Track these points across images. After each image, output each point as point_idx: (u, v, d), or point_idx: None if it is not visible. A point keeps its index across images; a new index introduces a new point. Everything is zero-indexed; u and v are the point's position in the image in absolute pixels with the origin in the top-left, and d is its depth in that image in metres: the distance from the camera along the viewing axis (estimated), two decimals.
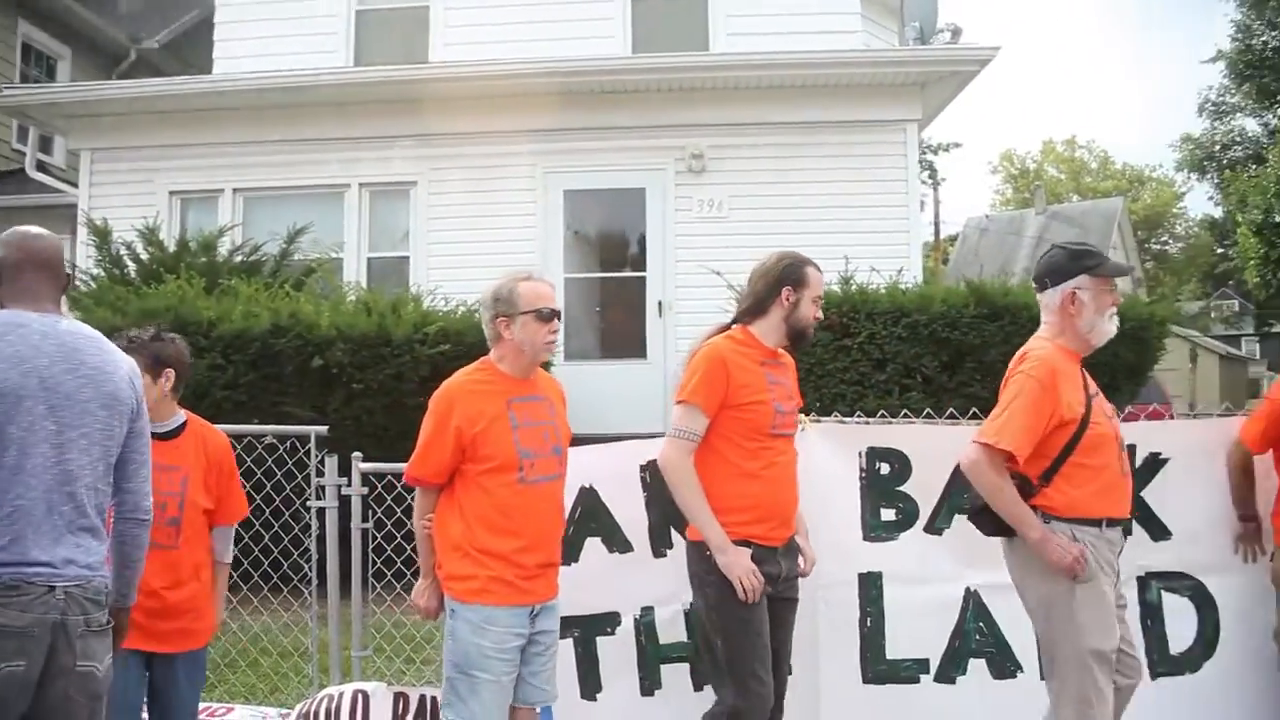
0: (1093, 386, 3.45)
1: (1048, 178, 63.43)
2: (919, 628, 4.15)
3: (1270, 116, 36.97)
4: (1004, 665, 4.17)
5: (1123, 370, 6.87)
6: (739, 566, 3.26)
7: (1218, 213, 47.93)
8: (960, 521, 4.16)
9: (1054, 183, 63.54)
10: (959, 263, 51.48)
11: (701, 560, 3.37)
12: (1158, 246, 60.14)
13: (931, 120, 10.99)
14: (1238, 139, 41.76)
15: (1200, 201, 67.40)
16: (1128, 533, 3.69)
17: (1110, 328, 3.42)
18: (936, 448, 4.19)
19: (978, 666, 4.17)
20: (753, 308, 3.50)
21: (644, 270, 9.89)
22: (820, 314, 3.54)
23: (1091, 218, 49.86)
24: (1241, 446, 4.00)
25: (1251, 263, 38.89)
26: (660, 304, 9.71)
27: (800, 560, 3.60)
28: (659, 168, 9.89)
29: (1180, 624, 4.15)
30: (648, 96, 9.94)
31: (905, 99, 9.55)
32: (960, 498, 4.14)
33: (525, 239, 9.95)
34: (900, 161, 9.51)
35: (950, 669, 4.15)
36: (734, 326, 3.55)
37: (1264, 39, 33.10)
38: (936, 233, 33.88)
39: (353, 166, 10.62)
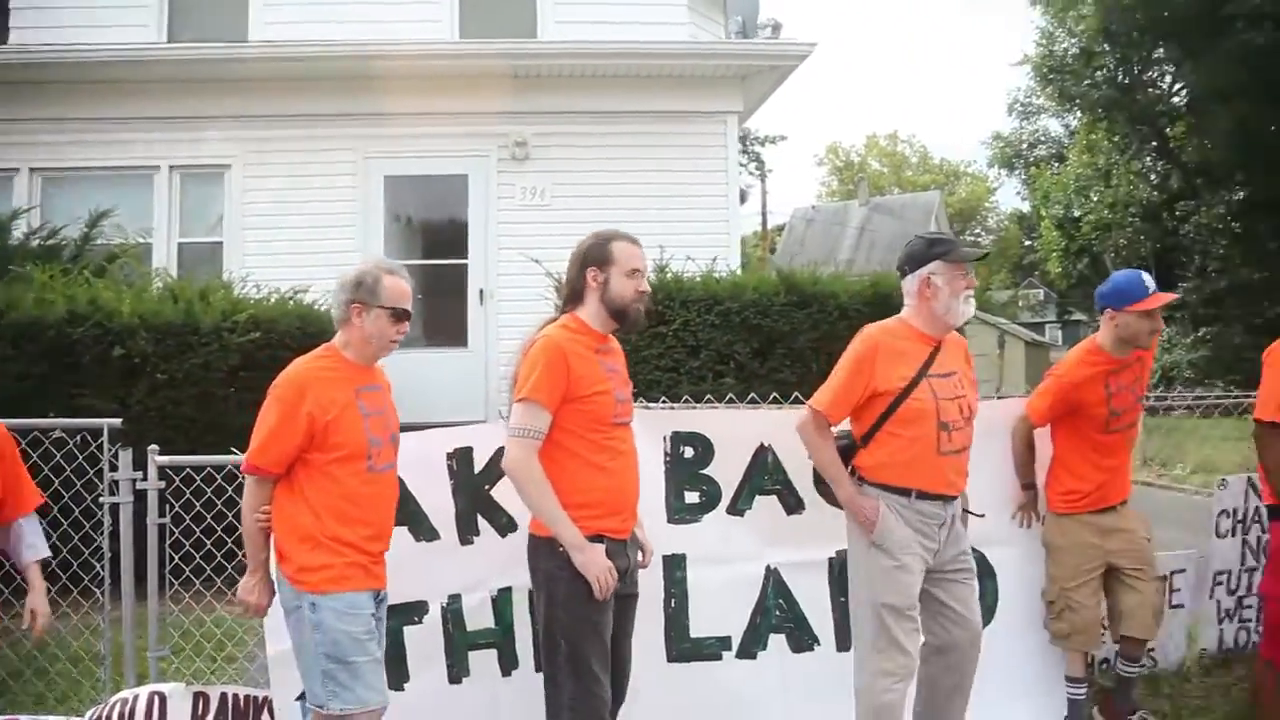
0: (947, 367, 3.64)
1: (871, 171, 65.89)
2: (721, 606, 4.28)
3: (1071, 118, 39.24)
4: (802, 639, 4.36)
5: None
6: (596, 565, 3.19)
7: (1025, 207, 50.60)
8: (761, 502, 4.35)
9: (877, 176, 66.06)
10: (786, 252, 52.94)
11: (552, 556, 3.25)
12: (971, 238, 63.08)
13: (753, 112, 11.29)
14: (1043, 138, 44.19)
15: (1010, 196, 70.97)
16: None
17: (966, 309, 3.61)
18: (739, 431, 4.35)
19: (777, 641, 4.34)
20: (570, 295, 3.45)
21: (466, 258, 9.80)
22: (645, 286, 3.42)
23: (911, 210, 52.01)
24: (1027, 421, 4.30)
25: (1054, 254, 41.51)
26: (482, 292, 9.65)
27: (640, 553, 3.56)
28: (482, 154, 9.83)
29: None
30: (472, 82, 9.84)
31: (726, 91, 9.76)
32: (762, 479, 4.33)
33: (345, 225, 9.75)
34: (721, 152, 9.72)
35: (751, 645, 4.31)
36: (565, 314, 3.45)
37: (1065, 45, 35.09)
38: (764, 223, 34.76)
39: (163, 147, 10.18)
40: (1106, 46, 32.64)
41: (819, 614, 4.36)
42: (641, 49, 9.58)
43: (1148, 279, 4.12)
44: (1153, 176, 36.52)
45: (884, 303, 6.92)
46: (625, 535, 3.39)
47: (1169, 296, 4.16)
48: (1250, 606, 5.09)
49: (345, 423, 3.17)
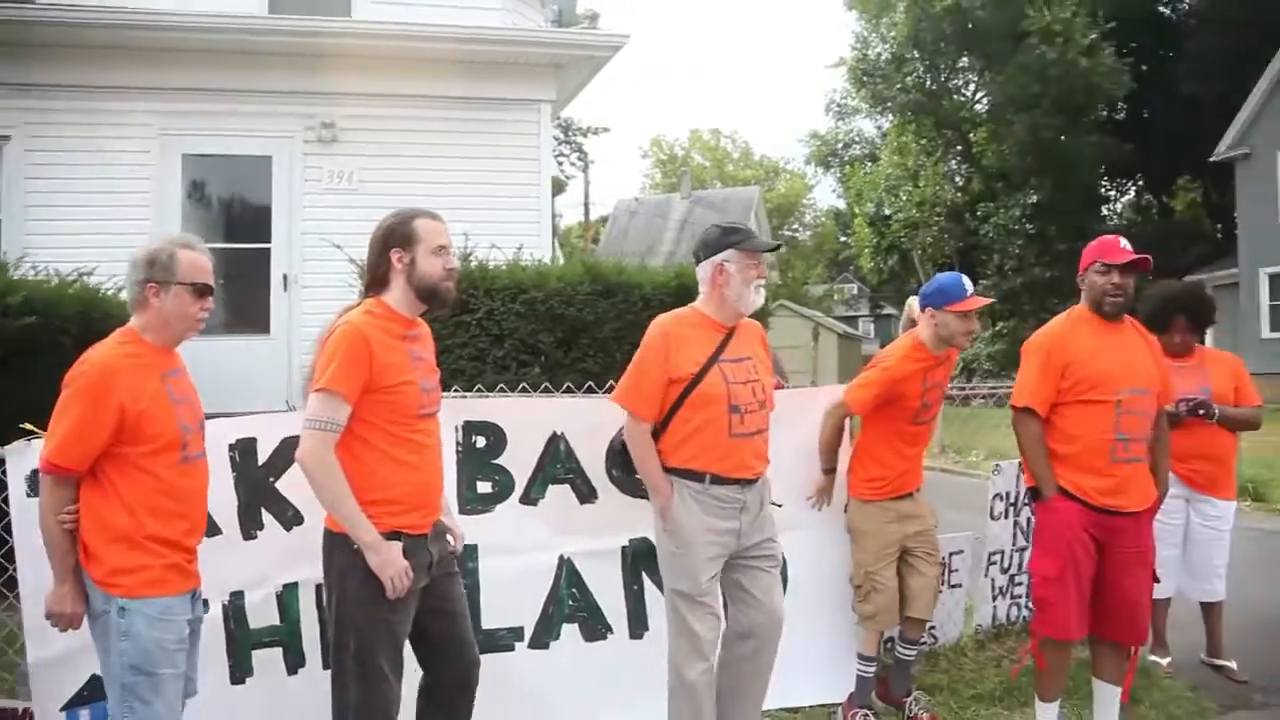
0: (740, 353, 3.71)
1: (694, 165, 66.93)
2: (514, 596, 4.26)
3: (884, 120, 40.94)
4: (595, 628, 4.39)
5: None
6: (392, 566, 3.05)
7: (840, 204, 52.42)
8: (555, 491, 4.37)
9: (700, 170, 67.19)
10: (609, 243, 53.28)
11: (346, 553, 3.09)
12: (790, 233, 64.99)
13: (568, 102, 11.29)
14: (857, 139, 45.83)
15: (827, 194, 73.56)
16: None
17: (756, 298, 3.69)
18: (531, 420, 4.35)
19: (570, 631, 4.36)
20: (372, 280, 3.28)
21: (269, 242, 9.44)
22: (453, 263, 3.29)
23: (732, 204, 53.14)
24: (844, 408, 4.45)
25: (866, 250, 43.27)
26: (285, 278, 9.33)
27: (449, 539, 3.45)
28: (287, 135, 9.46)
29: None
30: (278, 60, 9.44)
31: (540, 80, 9.71)
32: (554, 468, 4.35)
33: (139, 204, 9.20)
34: (534, 141, 9.66)
35: (544, 635, 4.31)
36: (368, 299, 3.27)
37: (878, 50, 36.58)
38: (586, 213, 34.85)
39: None
40: (916, 53, 34.21)
41: (612, 602, 4.41)
42: (456, 33, 9.41)
43: (967, 282, 4.31)
44: (957, 179, 38.57)
45: (688, 293, 6.92)
46: (426, 530, 3.25)
47: (985, 300, 4.38)
48: (1021, 584, 5.45)
49: (157, 412, 2.94)
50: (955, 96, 37.30)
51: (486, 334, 6.68)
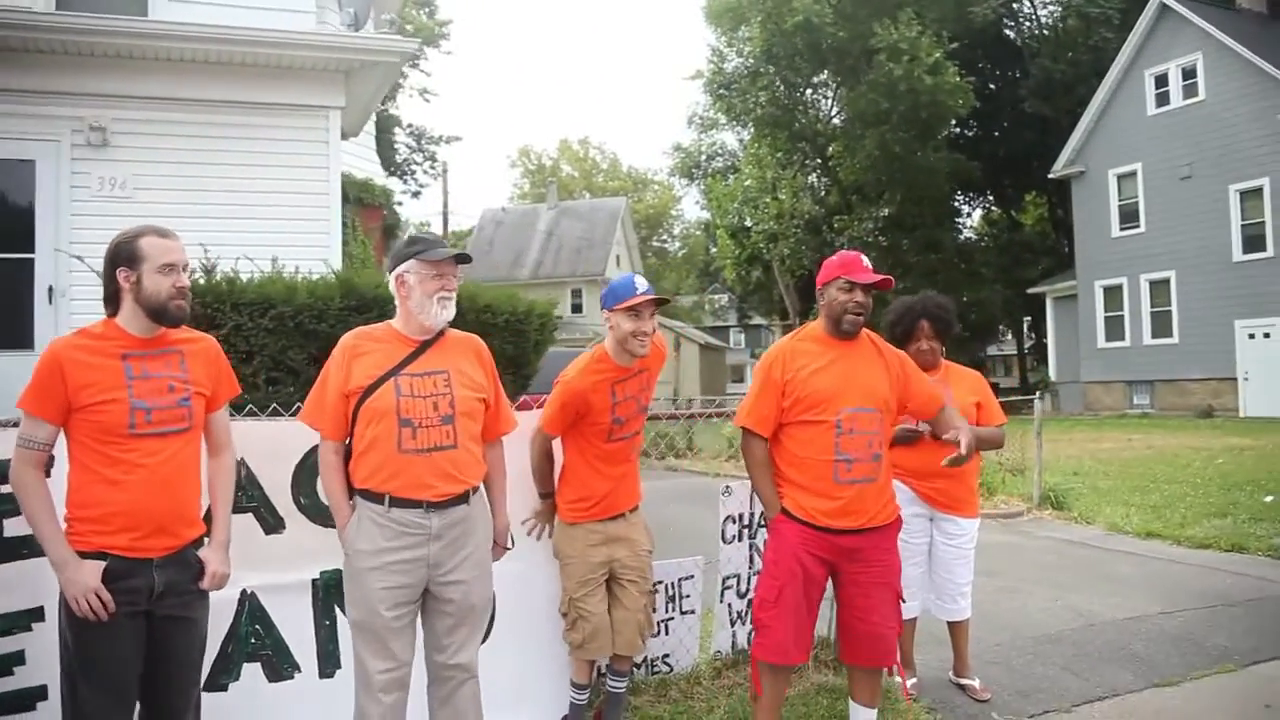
0: (432, 366, 3.49)
1: (563, 175, 66.95)
2: None
3: (744, 133, 41.51)
4: (280, 667, 4.11)
5: (502, 362, 7.17)
6: (74, 585, 2.96)
7: (706, 216, 53.05)
8: (236, 521, 4.06)
9: (568, 180, 67.25)
10: (475, 253, 52.79)
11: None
12: (659, 244, 65.50)
13: (370, 110, 10.91)
14: (719, 151, 46.43)
15: (694, 205, 74.28)
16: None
17: (440, 311, 3.47)
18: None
19: (252, 671, 4.07)
20: (106, 298, 3.19)
21: (33, 252, 8.83)
22: (183, 281, 3.19)
23: (598, 214, 53.39)
24: (543, 432, 4.26)
25: (728, 262, 43.80)
26: (51, 290, 8.74)
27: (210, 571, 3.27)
28: (53, 139, 8.85)
29: None
30: (47, 59, 8.85)
31: (328, 85, 9.31)
32: (235, 496, 4.06)
33: None
34: (322, 149, 9.25)
35: (222, 676, 4.00)
36: (102, 319, 3.20)
37: (734, 64, 37.08)
38: (445, 223, 34.32)
39: None
40: (770, 68, 34.75)
41: (301, 640, 4.14)
42: (239, 35, 8.92)
43: (640, 281, 4.13)
44: (814, 192, 39.35)
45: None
46: (145, 554, 3.10)
47: (649, 297, 4.07)
48: None
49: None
50: (811, 110, 38.05)
51: (235, 351, 6.28)
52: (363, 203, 14.63)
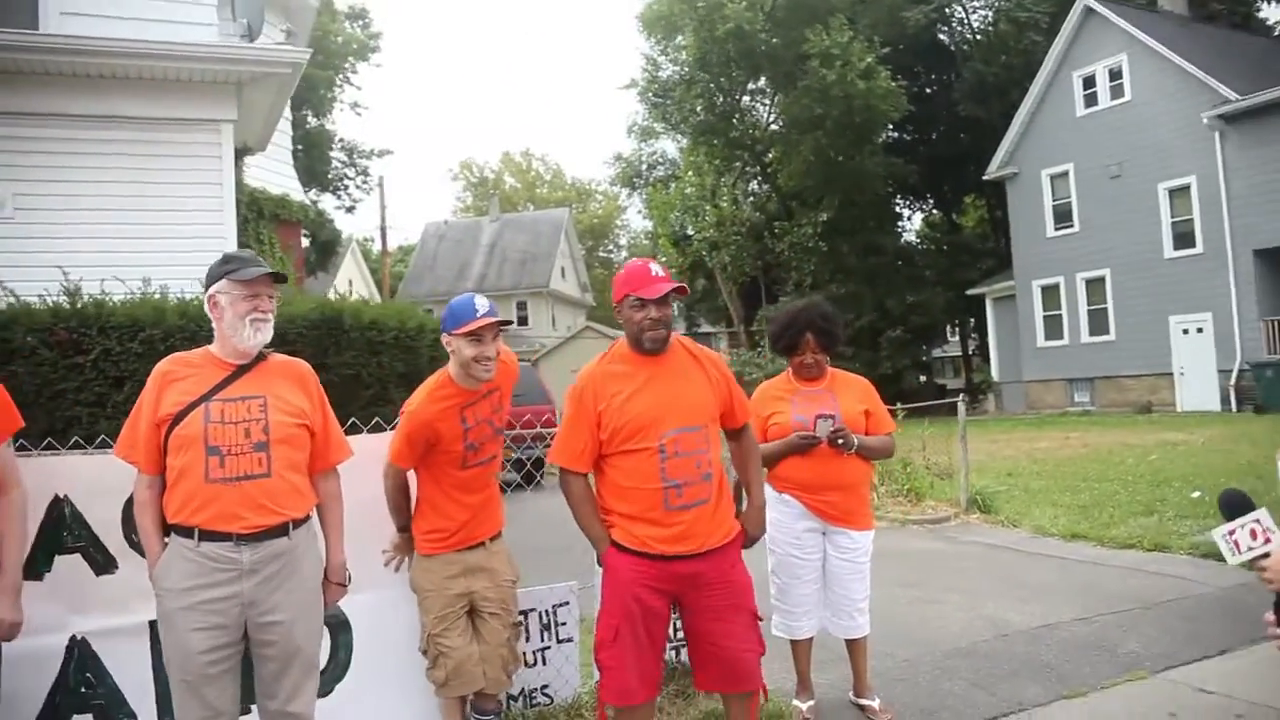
0: (250, 391, 3.28)
1: (506, 187, 66.60)
2: (11, 688, 3.65)
3: (683, 141, 41.40)
4: (114, 717, 3.82)
5: (393, 379, 6.93)
6: None
7: (650, 225, 52.88)
8: (62, 563, 3.79)
9: (511, 192, 66.90)
10: (418, 267, 52.46)
11: None
12: (605, 254, 65.30)
13: (270, 122, 10.54)
14: (660, 160, 46.29)
15: (637, 215, 74.18)
16: None
17: (253, 334, 3.29)
18: (29, 482, 3.75)
19: None
20: None
21: None
22: None
23: (541, 225, 53.18)
24: (394, 465, 3.98)
25: (671, 271, 43.76)
26: None
27: None
28: None
29: None
30: None
31: (219, 98, 8.97)
32: (59, 537, 3.77)
33: None
34: (215, 164, 8.89)
35: None
36: None
37: (668, 72, 37.01)
38: (384, 237, 33.88)
39: None
40: (705, 75, 34.70)
41: (136, 686, 3.84)
42: (116, 47, 8.58)
43: (481, 301, 3.84)
44: (754, 198, 39.37)
45: (331, 325, 6.58)
46: None
47: (489, 320, 3.80)
48: None
49: None
50: (748, 117, 38.07)
51: (104, 376, 5.98)
52: (279, 219, 14.25)
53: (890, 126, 35.74)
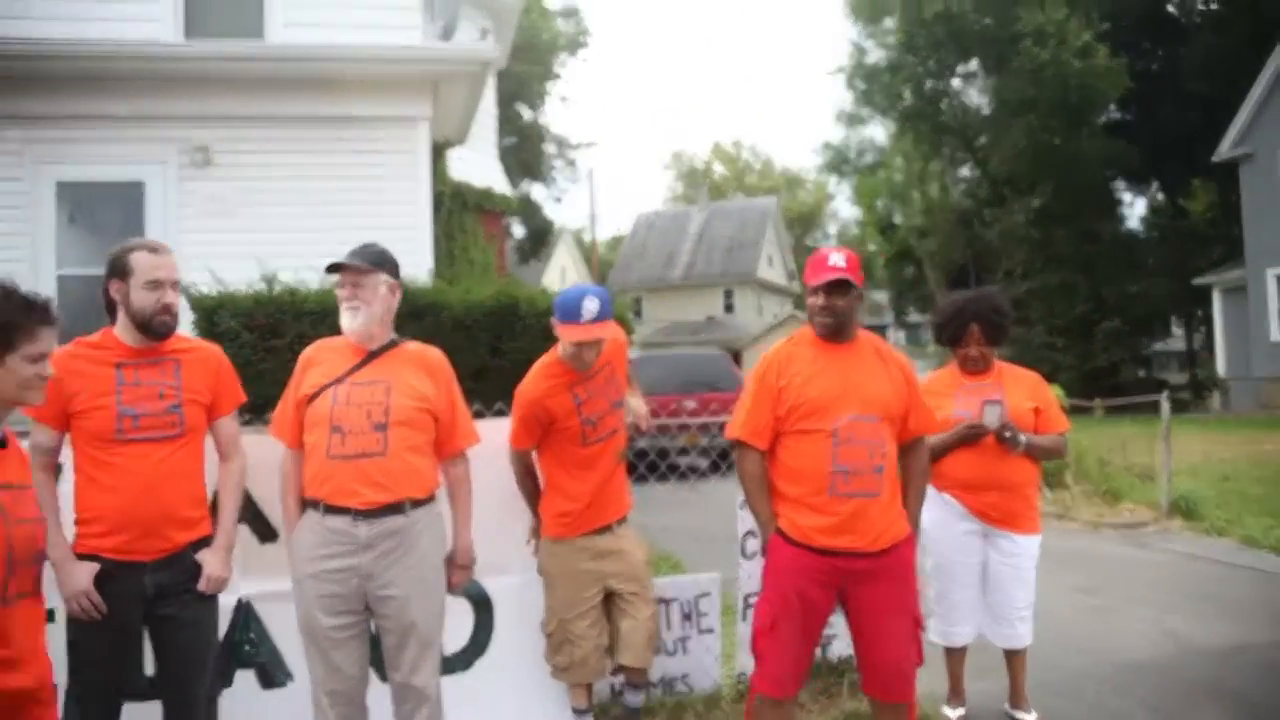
0: (377, 376, 3.47)
1: (715, 177, 66.76)
2: None
3: (892, 127, 40.30)
4: (274, 675, 4.13)
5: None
6: (67, 585, 3.09)
7: (857, 212, 51.84)
8: None
9: (721, 182, 67.00)
10: (628, 256, 53.29)
11: None
12: (813, 243, 64.39)
13: (467, 120, 10.99)
14: (869, 146, 45.21)
15: (846, 203, 72.78)
16: None
17: (348, 319, 3.49)
18: None
19: (246, 678, 4.10)
20: (106, 308, 3.33)
21: None
22: (170, 298, 3.28)
23: (749, 214, 52.92)
24: (514, 450, 4.11)
25: (881, 258, 42.78)
26: None
27: (205, 576, 3.31)
28: (160, 160, 9.29)
29: (457, 623, 4.22)
30: (150, 85, 9.29)
31: (415, 96, 9.46)
32: None
33: (12, 233, 9.11)
34: (411, 159, 9.39)
35: (217, 682, 4.03)
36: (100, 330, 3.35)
37: (875, 57, 36.13)
38: (593, 227, 34.68)
39: None
40: (912, 59, 33.66)
41: (294, 649, 4.13)
42: (320, 52, 9.22)
43: (589, 305, 3.84)
44: (962, 184, 37.91)
45: (506, 313, 6.78)
46: (136, 557, 3.17)
47: (591, 335, 3.84)
48: None
49: None
50: (957, 101, 36.67)
51: (297, 359, 6.42)
52: (483, 209, 14.83)
53: (1110, 106, 33.57)
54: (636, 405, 4.23)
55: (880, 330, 63.22)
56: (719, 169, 68.50)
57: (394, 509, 3.37)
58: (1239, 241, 28.58)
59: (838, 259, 3.57)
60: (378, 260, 3.54)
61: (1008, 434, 4.28)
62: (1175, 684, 5.05)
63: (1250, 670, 5.23)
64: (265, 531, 4.13)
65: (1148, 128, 34.80)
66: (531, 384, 3.98)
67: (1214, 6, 34.34)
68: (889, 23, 34.34)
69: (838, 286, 3.51)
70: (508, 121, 32.60)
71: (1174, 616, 6.30)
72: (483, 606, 4.37)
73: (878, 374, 3.59)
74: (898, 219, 38.63)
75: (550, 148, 38.17)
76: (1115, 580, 7.35)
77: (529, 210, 34.89)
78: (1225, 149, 27.92)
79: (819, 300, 3.54)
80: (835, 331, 3.58)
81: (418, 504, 3.44)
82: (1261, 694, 4.90)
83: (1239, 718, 4.60)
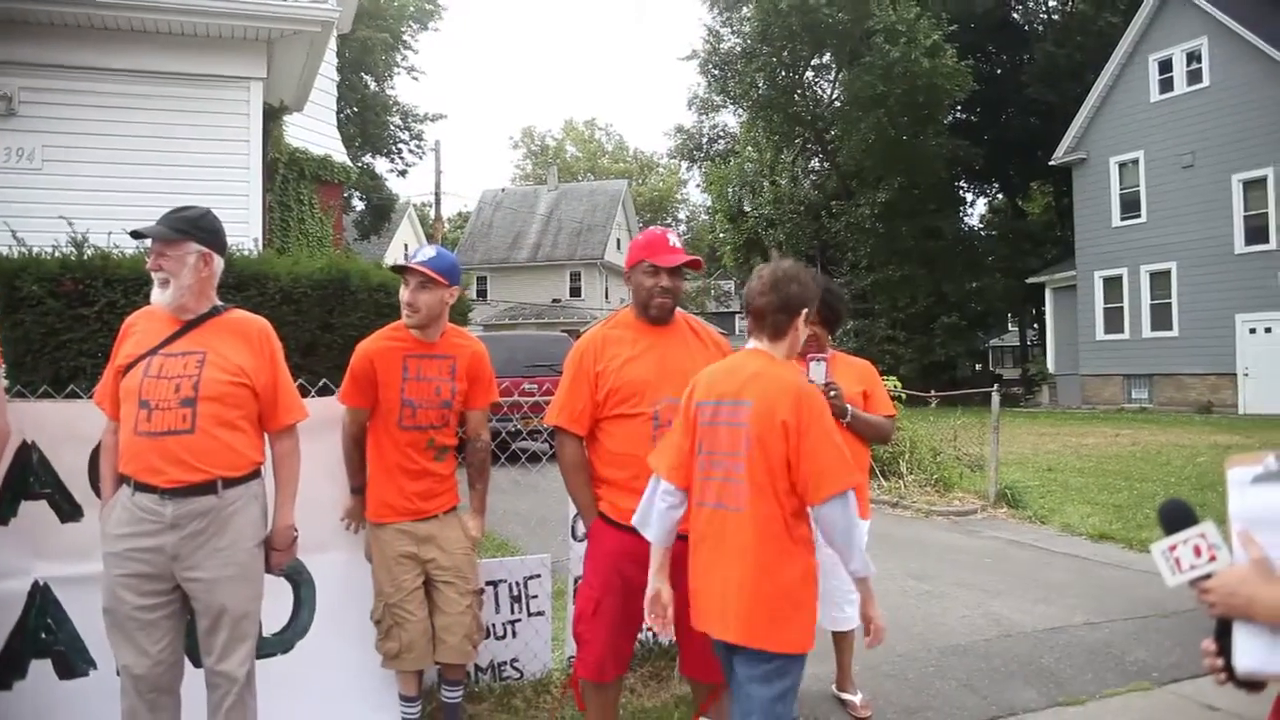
0: (191, 347, 3.25)
1: (567, 157, 66.43)
2: None
3: (743, 115, 40.80)
4: (74, 663, 3.82)
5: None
6: None
7: (708, 199, 52.35)
8: (28, 508, 3.78)
9: (573, 162, 66.73)
10: (473, 235, 52.60)
11: None
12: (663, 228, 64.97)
13: (305, 81, 10.45)
14: (721, 133, 45.73)
15: (697, 190, 73.70)
16: None
17: (157, 291, 3.28)
18: None
19: (41, 668, 3.78)
20: None
21: None
22: None
23: (599, 196, 52.97)
24: (341, 404, 3.92)
25: (727, 247, 43.24)
26: None
27: None
28: None
29: (277, 604, 4.02)
30: None
31: (248, 55, 8.92)
32: (26, 482, 3.76)
33: None
34: (243, 121, 8.84)
35: (8, 674, 3.72)
36: None
37: (730, 44, 36.49)
38: (437, 202, 33.90)
39: None
40: (766, 49, 34.13)
41: (98, 634, 3.80)
42: (142, 2, 8.57)
43: (426, 251, 3.90)
44: (813, 176, 38.74)
45: (337, 285, 6.46)
46: None
47: (412, 265, 3.79)
48: None
49: None
50: (809, 93, 37.42)
51: (108, 328, 5.95)
52: (321, 179, 14.27)
53: (956, 107, 34.86)
54: (473, 525, 4.06)
55: (729, 318, 64.31)
56: (571, 149, 68.14)
57: (204, 489, 3.15)
58: (1071, 243, 30.16)
59: (676, 240, 3.57)
60: (185, 227, 3.26)
61: (832, 393, 4.23)
62: (993, 664, 5.33)
63: (1062, 649, 5.56)
64: (68, 510, 3.81)
65: (991, 129, 36.31)
66: (370, 339, 3.89)
67: (1054, 18, 36.04)
68: (746, 10, 34.64)
69: (678, 269, 3.49)
70: (351, 90, 31.51)
71: (996, 601, 6.61)
72: (305, 585, 4.15)
73: (695, 354, 3.58)
74: (747, 207, 39.13)
75: (396, 119, 37.04)
76: (943, 566, 7.64)
77: (372, 184, 33.80)
78: (1061, 153, 29.40)
79: (661, 281, 3.49)
80: (670, 313, 3.57)
81: (232, 483, 3.21)
82: (1072, 671, 5.19)
83: (1049, 694, 4.84)
